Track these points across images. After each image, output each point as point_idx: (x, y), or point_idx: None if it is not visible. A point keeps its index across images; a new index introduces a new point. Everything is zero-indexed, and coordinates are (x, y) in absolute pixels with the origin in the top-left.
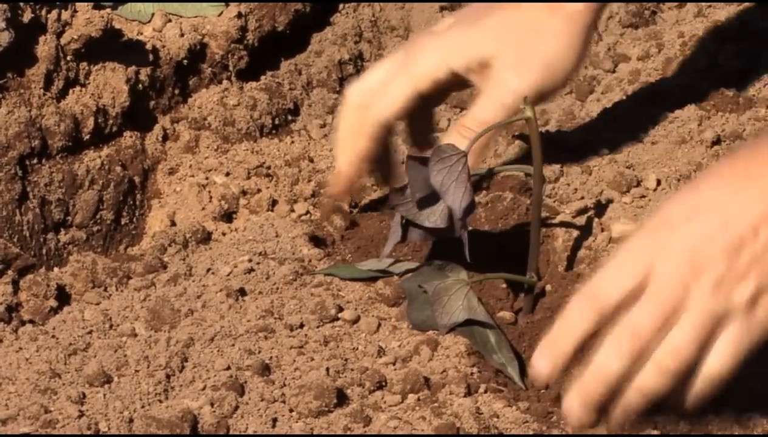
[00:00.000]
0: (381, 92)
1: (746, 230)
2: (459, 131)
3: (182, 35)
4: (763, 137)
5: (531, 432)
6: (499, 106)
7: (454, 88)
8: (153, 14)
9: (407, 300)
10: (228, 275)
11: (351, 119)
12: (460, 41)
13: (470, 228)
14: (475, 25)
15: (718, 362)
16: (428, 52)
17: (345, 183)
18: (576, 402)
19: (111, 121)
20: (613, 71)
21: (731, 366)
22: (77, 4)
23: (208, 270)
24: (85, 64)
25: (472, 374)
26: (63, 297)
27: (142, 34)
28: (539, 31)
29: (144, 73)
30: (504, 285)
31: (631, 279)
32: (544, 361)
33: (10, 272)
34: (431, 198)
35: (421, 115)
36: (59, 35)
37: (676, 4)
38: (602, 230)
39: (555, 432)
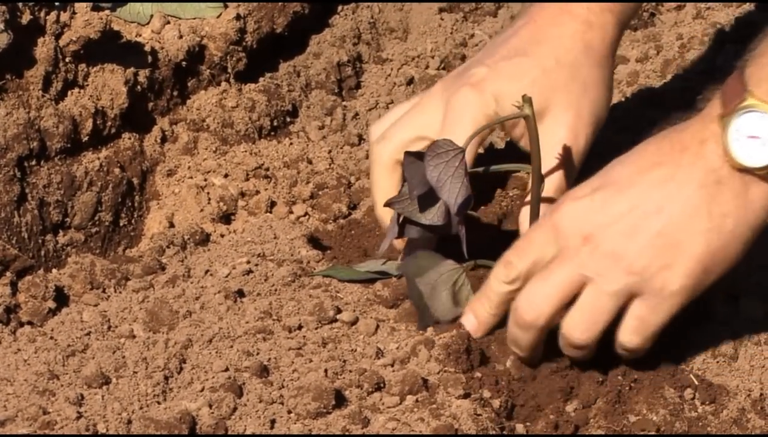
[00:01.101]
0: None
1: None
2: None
3: (181, 37)
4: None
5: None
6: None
7: None
8: (152, 16)
9: (407, 284)
10: (226, 276)
11: (386, 177)
12: (503, 98)
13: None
14: (515, 77)
15: (624, 334)
16: (472, 108)
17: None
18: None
19: (109, 123)
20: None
21: (639, 339)
22: (76, 5)
23: (207, 271)
24: (83, 65)
25: (470, 375)
26: (61, 298)
27: (140, 35)
28: (584, 86)
29: (143, 75)
30: None
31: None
32: (468, 321)
33: (8, 273)
34: (429, 194)
35: None
36: (58, 37)
37: (674, 5)
38: None
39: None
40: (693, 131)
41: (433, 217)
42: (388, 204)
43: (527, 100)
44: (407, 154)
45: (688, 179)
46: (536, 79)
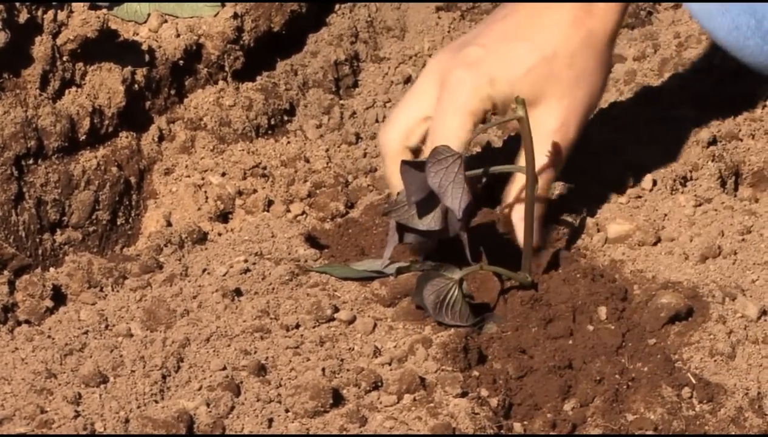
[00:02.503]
0: (437, 131)
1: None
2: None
3: (178, 36)
4: None
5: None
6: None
7: None
8: (149, 15)
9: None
10: (224, 275)
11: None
12: (498, 81)
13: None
14: (512, 62)
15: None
16: (469, 87)
17: None
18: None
19: (107, 122)
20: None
21: None
22: (73, 4)
23: (204, 270)
24: (81, 64)
25: (467, 373)
26: (59, 297)
27: (138, 34)
28: (580, 76)
29: (140, 74)
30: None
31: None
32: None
33: (6, 272)
34: (428, 201)
35: None
36: (55, 36)
37: (671, 4)
38: (598, 230)
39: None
40: None
41: (430, 222)
42: (386, 213)
43: (520, 101)
44: (404, 162)
45: None
46: (533, 66)
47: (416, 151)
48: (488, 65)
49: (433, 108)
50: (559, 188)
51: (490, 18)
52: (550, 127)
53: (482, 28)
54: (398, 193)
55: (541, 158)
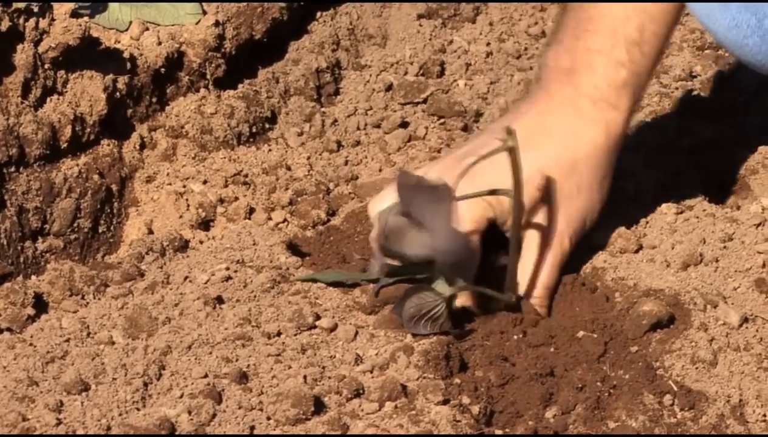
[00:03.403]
0: None
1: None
2: (536, 303)
3: (160, 43)
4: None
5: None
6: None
7: None
8: (131, 22)
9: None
10: (205, 283)
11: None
12: (497, 186)
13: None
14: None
15: None
16: (470, 204)
17: None
18: None
19: (88, 130)
20: None
21: None
22: (55, 12)
23: (186, 278)
24: (62, 72)
25: (449, 381)
26: (40, 305)
27: (119, 42)
28: (579, 188)
29: (121, 82)
30: None
31: None
32: None
33: None
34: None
35: None
36: (37, 43)
37: None
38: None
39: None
40: None
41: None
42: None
43: (510, 132)
44: (401, 174)
45: None
46: (531, 175)
47: None
48: (489, 176)
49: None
50: None
51: (497, 123)
52: (544, 236)
53: (491, 128)
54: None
55: (537, 264)
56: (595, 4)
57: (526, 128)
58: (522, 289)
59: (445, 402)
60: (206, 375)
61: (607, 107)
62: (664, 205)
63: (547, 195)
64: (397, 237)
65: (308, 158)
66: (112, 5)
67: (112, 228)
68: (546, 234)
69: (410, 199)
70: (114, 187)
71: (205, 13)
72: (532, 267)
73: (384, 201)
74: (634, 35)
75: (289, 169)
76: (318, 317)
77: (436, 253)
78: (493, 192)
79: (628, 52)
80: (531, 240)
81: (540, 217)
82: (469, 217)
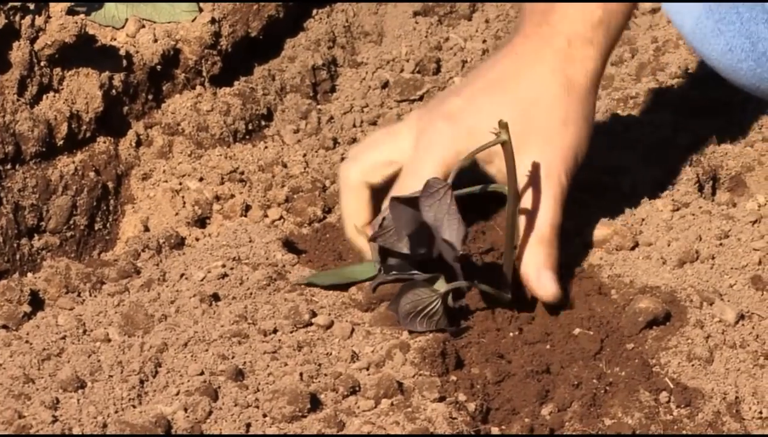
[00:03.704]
0: (410, 177)
1: None
2: (544, 247)
3: (156, 41)
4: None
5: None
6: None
7: None
8: (126, 20)
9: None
10: (201, 280)
11: (354, 198)
12: (477, 133)
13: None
14: (492, 113)
15: None
16: (447, 138)
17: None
18: None
19: (84, 127)
20: None
21: None
22: (51, 9)
23: (182, 275)
24: (58, 69)
25: (445, 378)
26: (37, 302)
27: (115, 39)
28: (563, 123)
29: (117, 79)
30: None
31: None
32: None
33: None
34: (420, 234)
35: None
36: (33, 41)
37: (650, 9)
38: (577, 235)
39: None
40: None
41: (416, 248)
42: (372, 239)
43: (504, 125)
44: (393, 198)
45: None
46: (514, 116)
47: (378, 191)
48: (468, 116)
49: (401, 154)
50: None
51: (474, 71)
52: (539, 175)
53: (466, 81)
54: (383, 218)
55: (536, 205)
56: None
57: (505, 71)
58: (524, 236)
59: (441, 399)
60: (202, 373)
61: (584, 44)
62: (660, 202)
63: (534, 134)
64: (395, 236)
65: (304, 155)
66: (108, 3)
67: (108, 225)
68: (541, 173)
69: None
70: (110, 185)
71: (201, 10)
72: (534, 208)
73: (358, 160)
74: None
75: (285, 166)
76: (314, 314)
77: (443, 247)
78: (484, 188)
79: None
80: (527, 182)
81: (530, 157)
82: (444, 160)
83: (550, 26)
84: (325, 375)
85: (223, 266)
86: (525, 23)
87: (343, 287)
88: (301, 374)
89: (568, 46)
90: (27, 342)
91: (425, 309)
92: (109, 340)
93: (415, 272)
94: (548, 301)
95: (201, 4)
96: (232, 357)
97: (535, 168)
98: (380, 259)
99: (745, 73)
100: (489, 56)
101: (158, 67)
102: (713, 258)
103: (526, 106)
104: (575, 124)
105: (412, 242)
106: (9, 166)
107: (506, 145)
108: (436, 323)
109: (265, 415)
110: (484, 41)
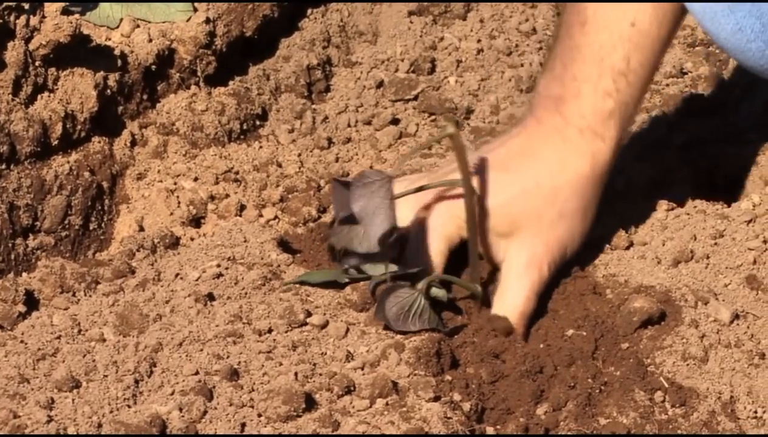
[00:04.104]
0: (411, 249)
1: None
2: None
3: (150, 41)
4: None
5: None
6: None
7: None
8: (121, 20)
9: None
10: (196, 280)
11: None
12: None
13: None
14: (492, 192)
15: None
16: (448, 213)
17: None
18: None
19: (79, 127)
20: None
21: None
22: (46, 9)
23: (177, 275)
24: (53, 69)
25: (440, 378)
26: (31, 302)
27: (110, 39)
28: (561, 215)
29: (112, 79)
30: None
31: None
32: None
33: None
34: (353, 219)
35: None
36: (28, 41)
37: None
38: None
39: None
40: None
41: (368, 245)
42: (326, 239)
43: (449, 119)
44: (334, 179)
45: None
46: (513, 198)
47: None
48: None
49: (404, 221)
50: None
51: (486, 146)
52: (522, 261)
53: (479, 153)
54: (338, 219)
55: (512, 294)
56: (583, 31)
57: (513, 151)
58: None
59: (436, 399)
60: (197, 372)
61: (594, 137)
62: (655, 202)
63: (528, 220)
64: (345, 235)
65: (299, 155)
66: (103, 3)
67: (103, 225)
68: (525, 261)
69: (346, 198)
70: (105, 184)
71: (195, 10)
72: (509, 294)
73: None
74: (620, 65)
75: (279, 166)
76: (309, 314)
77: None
78: (420, 189)
79: (614, 81)
80: (509, 266)
81: (519, 243)
82: (444, 233)
83: (562, 116)
84: (320, 374)
85: (218, 266)
86: (538, 107)
87: (338, 286)
88: (296, 374)
89: (579, 137)
90: (22, 342)
91: (411, 308)
92: (104, 340)
93: (395, 267)
94: None
95: (196, 4)
96: (227, 357)
97: (519, 254)
98: (337, 259)
99: (753, 53)
100: (503, 133)
101: (153, 66)
102: (708, 257)
103: (526, 191)
104: (571, 219)
105: (344, 222)
106: (4, 166)
107: (454, 138)
108: (427, 320)
109: (260, 415)
110: (479, 41)
